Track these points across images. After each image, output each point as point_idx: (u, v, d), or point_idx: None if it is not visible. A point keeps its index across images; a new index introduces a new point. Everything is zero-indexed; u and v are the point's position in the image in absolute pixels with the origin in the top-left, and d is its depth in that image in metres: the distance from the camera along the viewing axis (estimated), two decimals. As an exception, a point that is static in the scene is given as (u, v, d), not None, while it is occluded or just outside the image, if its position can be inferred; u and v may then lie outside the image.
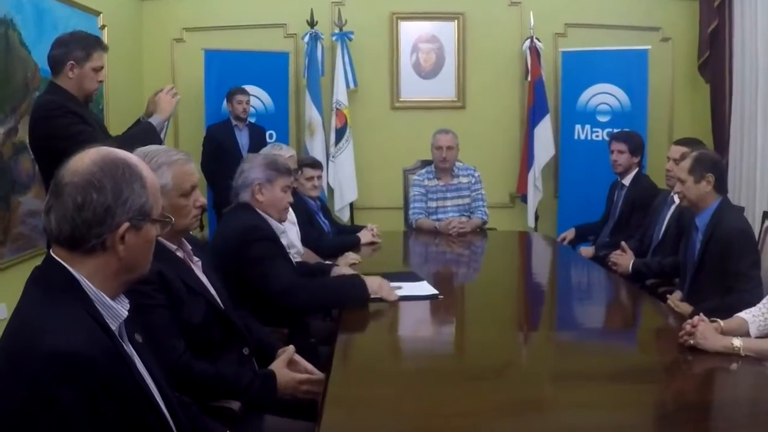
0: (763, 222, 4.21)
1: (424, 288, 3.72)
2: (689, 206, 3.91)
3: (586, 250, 5.46)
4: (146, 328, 2.02)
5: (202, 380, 2.50)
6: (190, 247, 2.74)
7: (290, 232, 4.21)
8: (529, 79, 7.30)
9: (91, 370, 1.56)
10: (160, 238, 2.08)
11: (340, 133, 7.00)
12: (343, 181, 7.00)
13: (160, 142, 3.96)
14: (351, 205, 7.17)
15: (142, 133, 3.82)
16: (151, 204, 1.80)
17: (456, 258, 5.32)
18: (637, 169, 5.57)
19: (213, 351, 2.65)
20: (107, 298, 1.73)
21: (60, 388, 1.52)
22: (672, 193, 4.67)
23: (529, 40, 7.23)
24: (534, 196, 7.32)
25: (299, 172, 4.94)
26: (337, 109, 6.99)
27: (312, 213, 5.10)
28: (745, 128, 6.64)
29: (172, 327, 2.49)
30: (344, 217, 7.04)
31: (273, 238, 3.51)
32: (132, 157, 1.82)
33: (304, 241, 4.59)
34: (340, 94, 7.01)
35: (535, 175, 7.29)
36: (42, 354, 1.54)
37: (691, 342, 2.76)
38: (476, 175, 5.85)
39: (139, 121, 4.10)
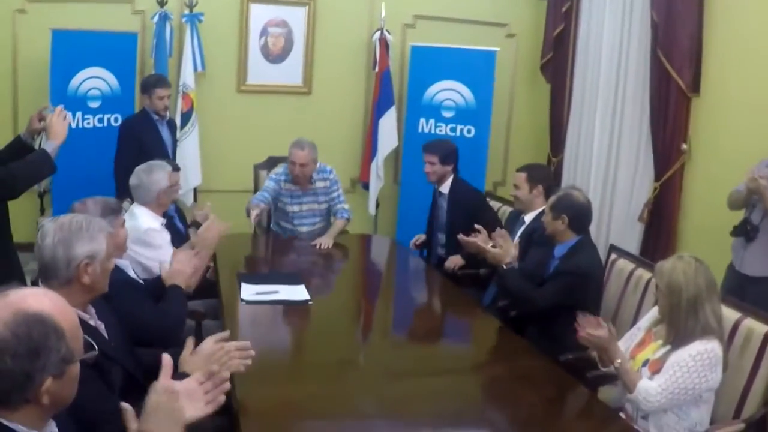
0: (609, 255, 4.53)
1: (299, 292, 4.26)
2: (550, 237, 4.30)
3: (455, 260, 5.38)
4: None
5: None
6: (93, 310, 2.65)
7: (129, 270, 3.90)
8: (376, 70, 7.35)
9: None
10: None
11: (186, 117, 6.71)
12: (187, 166, 6.76)
13: (54, 168, 3.83)
14: (195, 189, 7.00)
15: (38, 161, 3.81)
16: (71, 349, 1.73)
17: (312, 267, 5.33)
18: (452, 176, 5.57)
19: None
20: None
21: None
22: (522, 215, 4.94)
23: (379, 31, 7.27)
24: (376, 185, 7.47)
25: None
26: (183, 92, 6.72)
27: (170, 217, 4.95)
28: (582, 131, 6.97)
29: (99, 396, 2.41)
30: (188, 201, 6.86)
31: (130, 287, 3.40)
32: (43, 303, 1.72)
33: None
34: (188, 76, 6.74)
35: (378, 164, 7.41)
36: None
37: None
38: (332, 177, 5.74)
39: (19, 138, 4.02)
